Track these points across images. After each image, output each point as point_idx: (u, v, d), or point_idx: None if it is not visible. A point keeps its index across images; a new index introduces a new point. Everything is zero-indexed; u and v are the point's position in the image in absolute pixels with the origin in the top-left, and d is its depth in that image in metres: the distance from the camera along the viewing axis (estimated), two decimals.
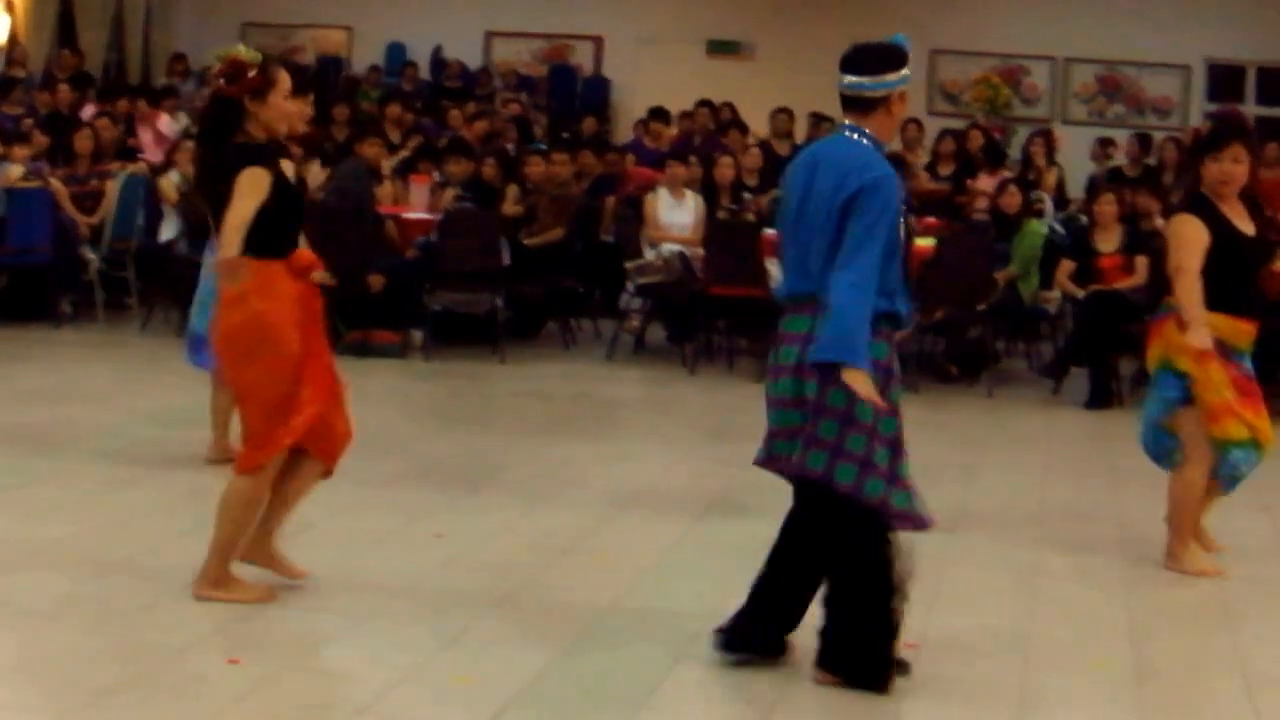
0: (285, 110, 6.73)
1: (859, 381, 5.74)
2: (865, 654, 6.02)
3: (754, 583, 6.25)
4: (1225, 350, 7.62)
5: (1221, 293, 7.57)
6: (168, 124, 18.19)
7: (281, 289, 6.53)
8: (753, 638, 6.26)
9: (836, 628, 6.06)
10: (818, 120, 18.71)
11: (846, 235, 5.82)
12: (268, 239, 6.49)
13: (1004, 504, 9.18)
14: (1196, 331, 7.45)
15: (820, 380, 5.84)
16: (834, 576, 6.08)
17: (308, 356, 6.57)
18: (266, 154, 6.59)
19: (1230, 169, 7.63)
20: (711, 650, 6.23)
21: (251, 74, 6.56)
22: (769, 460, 6.22)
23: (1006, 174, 16.05)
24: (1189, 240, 7.59)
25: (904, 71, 6.08)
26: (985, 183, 16.19)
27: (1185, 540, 7.86)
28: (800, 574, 6.19)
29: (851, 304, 5.75)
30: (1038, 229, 13.66)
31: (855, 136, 6.05)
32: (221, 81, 6.61)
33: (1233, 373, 7.65)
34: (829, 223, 5.86)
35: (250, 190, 6.45)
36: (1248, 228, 7.68)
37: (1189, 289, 7.51)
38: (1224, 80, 23.03)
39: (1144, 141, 18.89)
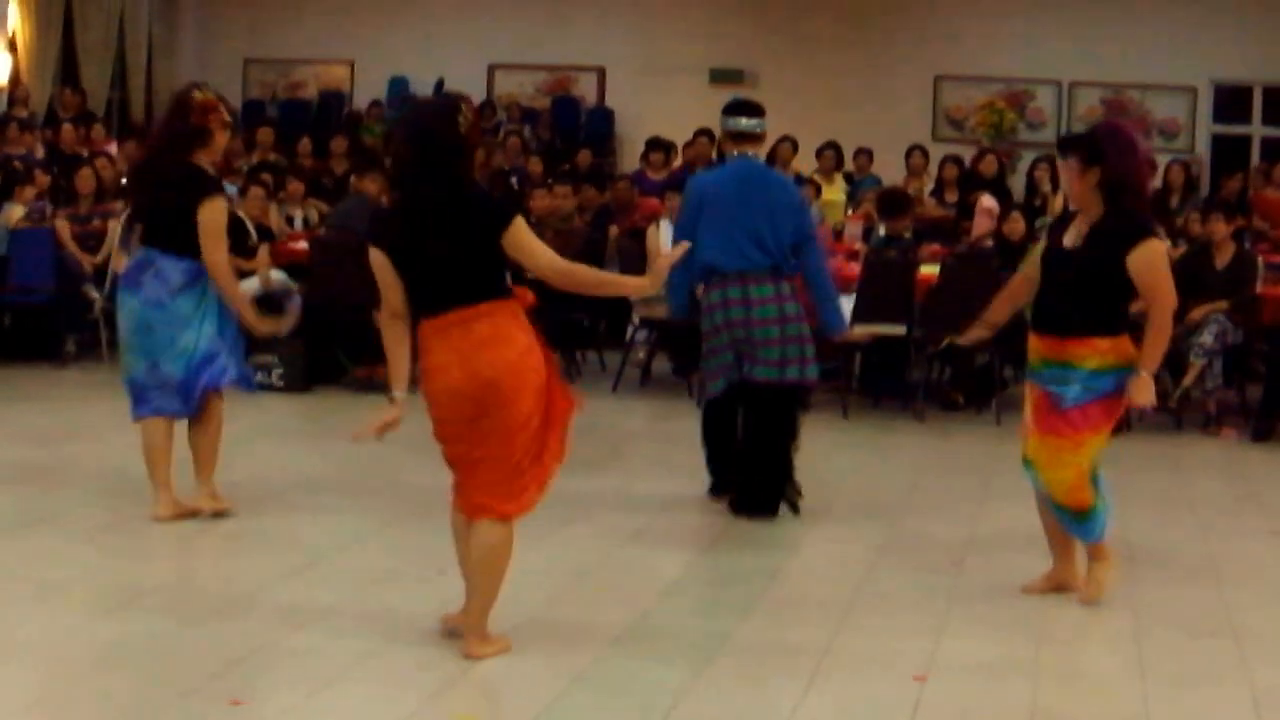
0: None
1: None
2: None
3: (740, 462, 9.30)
4: (1030, 369, 7.72)
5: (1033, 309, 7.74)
6: None
7: (528, 321, 6.50)
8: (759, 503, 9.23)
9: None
10: (822, 150, 18.73)
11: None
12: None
13: (1012, 533, 9.10)
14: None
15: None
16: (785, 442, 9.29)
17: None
18: None
19: (1062, 182, 7.76)
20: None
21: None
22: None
23: (986, 202, 16.12)
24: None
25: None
26: (987, 201, 16.20)
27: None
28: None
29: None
30: None
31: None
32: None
33: (1034, 392, 7.66)
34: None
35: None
36: (1072, 240, 7.55)
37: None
38: (1230, 101, 22.99)
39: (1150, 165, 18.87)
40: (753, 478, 9.27)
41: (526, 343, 6.38)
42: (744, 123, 9.41)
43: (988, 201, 16.29)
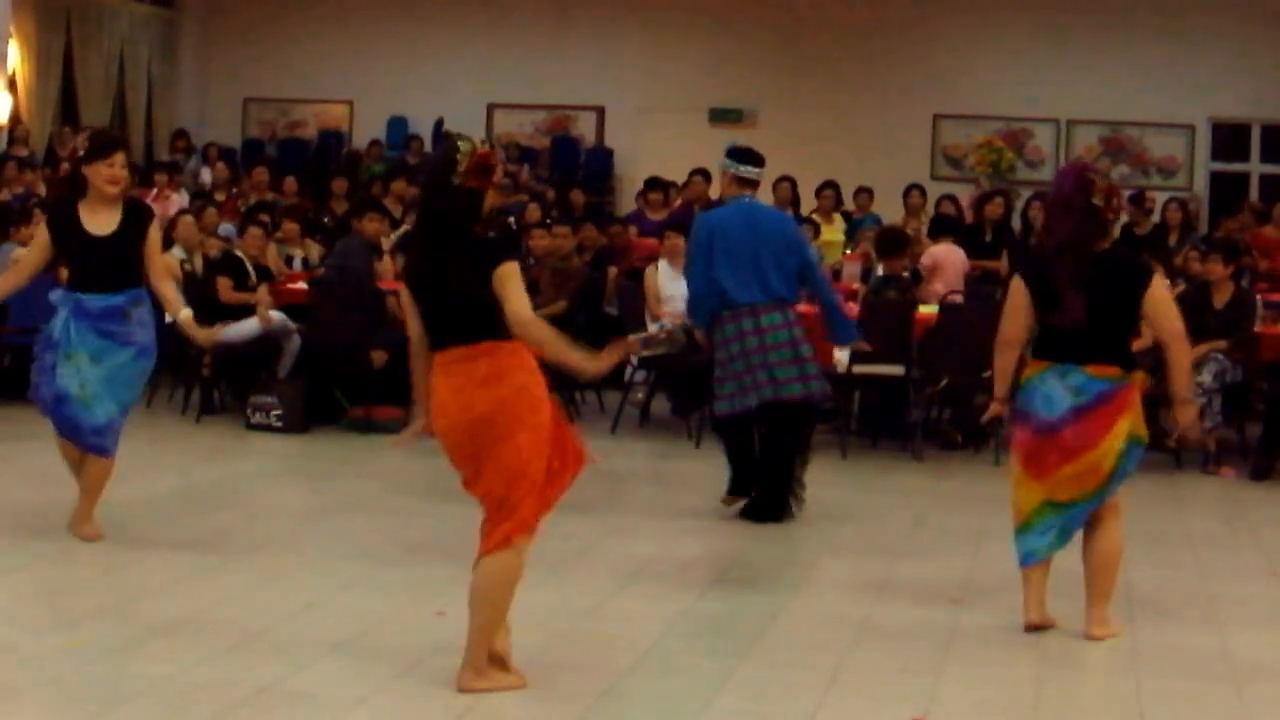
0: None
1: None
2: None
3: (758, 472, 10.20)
4: None
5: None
6: (175, 202, 18.19)
7: (534, 363, 6.50)
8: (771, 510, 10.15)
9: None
10: (821, 189, 18.73)
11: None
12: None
13: (1011, 574, 9.07)
14: (1192, 410, 7.59)
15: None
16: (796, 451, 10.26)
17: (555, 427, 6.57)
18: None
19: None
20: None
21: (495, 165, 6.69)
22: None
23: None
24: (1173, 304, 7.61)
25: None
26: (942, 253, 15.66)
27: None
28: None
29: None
30: None
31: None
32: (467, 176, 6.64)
33: None
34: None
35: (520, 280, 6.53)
36: None
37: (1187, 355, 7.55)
38: (1228, 139, 23.05)
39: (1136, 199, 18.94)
40: (767, 488, 10.20)
41: (523, 381, 6.44)
42: (748, 170, 10.31)
43: (943, 253, 15.61)
